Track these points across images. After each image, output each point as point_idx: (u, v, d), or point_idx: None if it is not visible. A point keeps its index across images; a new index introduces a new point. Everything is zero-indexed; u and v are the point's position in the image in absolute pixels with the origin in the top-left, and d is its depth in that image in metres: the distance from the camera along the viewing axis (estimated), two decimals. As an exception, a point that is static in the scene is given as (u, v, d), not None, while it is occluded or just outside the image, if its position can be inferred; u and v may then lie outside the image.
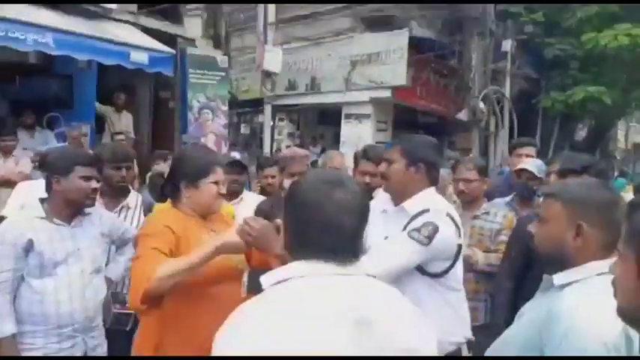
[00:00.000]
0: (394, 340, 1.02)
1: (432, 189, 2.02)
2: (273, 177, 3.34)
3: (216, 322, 1.39)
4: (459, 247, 1.93)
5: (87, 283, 2.20)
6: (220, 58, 7.62)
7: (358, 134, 10.41)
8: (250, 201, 3.14)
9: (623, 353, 1.19)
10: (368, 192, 2.75)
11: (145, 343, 1.86)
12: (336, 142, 10.95)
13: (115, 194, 2.82)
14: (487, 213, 2.81)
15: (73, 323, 2.15)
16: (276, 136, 10.88)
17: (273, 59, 7.39)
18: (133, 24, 6.54)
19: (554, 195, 1.42)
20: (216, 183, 1.95)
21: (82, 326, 2.18)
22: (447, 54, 9.56)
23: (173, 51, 6.38)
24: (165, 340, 1.80)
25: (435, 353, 1.10)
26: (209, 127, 7.37)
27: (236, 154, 3.30)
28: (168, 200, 2.02)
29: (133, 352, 1.98)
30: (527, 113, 9.95)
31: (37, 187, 2.78)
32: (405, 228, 1.88)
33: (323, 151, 11.16)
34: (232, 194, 3.02)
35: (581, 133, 11.46)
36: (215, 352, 0.99)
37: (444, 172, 3.34)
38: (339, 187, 1.09)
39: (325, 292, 1.02)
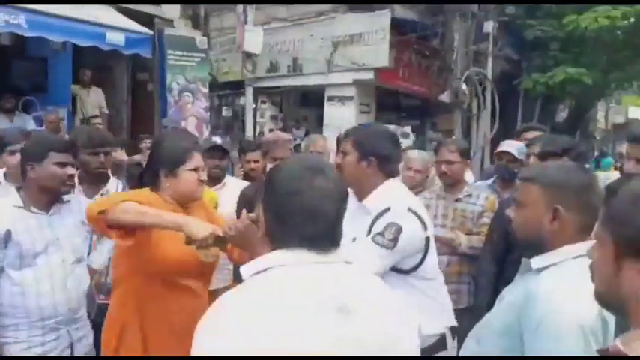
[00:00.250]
0: (374, 328, 1.02)
1: (391, 182, 1.94)
2: (256, 162, 3.31)
3: (185, 310, 1.60)
4: (427, 239, 1.87)
5: (69, 272, 2.17)
6: (199, 39, 7.49)
7: (341, 116, 10.37)
8: (233, 186, 3.11)
9: (599, 336, 1.21)
10: None
11: (112, 322, 1.95)
12: (319, 124, 10.88)
13: (94, 181, 2.75)
14: (469, 195, 2.83)
15: (57, 315, 2.12)
16: (258, 119, 10.76)
17: (253, 40, 7.26)
18: (109, 3, 6.36)
19: (532, 179, 1.43)
20: (195, 170, 1.92)
21: (65, 318, 2.15)
22: (429, 35, 9.51)
23: (151, 32, 6.24)
24: (132, 319, 1.87)
25: (416, 341, 1.10)
26: (189, 110, 7.26)
27: (217, 139, 3.26)
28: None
29: (103, 331, 1.99)
30: (508, 94, 10.00)
31: None
32: (369, 230, 1.82)
33: (307, 134, 11.10)
34: (214, 180, 2.99)
35: (562, 114, 11.58)
36: (196, 343, 0.98)
37: (427, 155, 3.35)
38: (319, 174, 1.06)
39: (306, 280, 1.02)
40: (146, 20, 6.74)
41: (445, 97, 9.31)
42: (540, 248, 1.38)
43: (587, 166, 2.36)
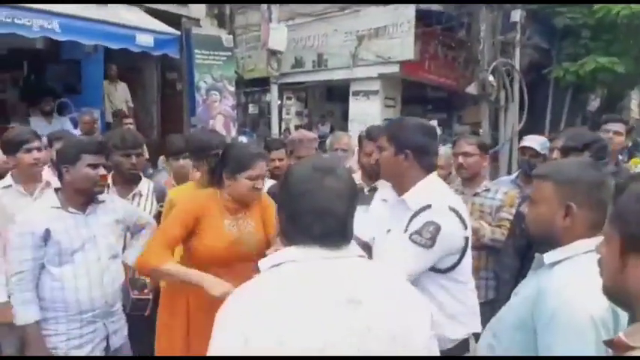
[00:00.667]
0: (385, 319, 1.07)
1: (432, 176, 1.88)
2: (280, 160, 3.35)
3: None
4: (466, 239, 1.83)
5: (104, 269, 2.26)
6: (225, 37, 7.59)
7: (366, 111, 10.36)
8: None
9: (611, 328, 1.23)
10: (374, 171, 2.77)
11: (164, 306, 2.28)
12: (344, 119, 10.90)
13: (127, 181, 2.83)
14: (487, 190, 2.83)
15: (93, 309, 2.22)
16: (284, 115, 10.87)
17: (278, 37, 7.32)
18: (138, 5, 6.52)
19: (545, 176, 1.45)
20: (252, 178, 2.12)
21: (102, 312, 2.25)
22: (455, 26, 9.38)
23: (178, 32, 6.36)
24: (180, 299, 2.18)
25: (427, 334, 1.13)
26: (217, 108, 7.38)
27: (244, 139, 3.33)
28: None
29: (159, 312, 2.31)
30: (537, 85, 9.78)
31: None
32: (407, 226, 1.77)
33: (332, 129, 11.15)
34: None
35: (594, 104, 11.26)
36: (215, 324, 1.07)
37: (447, 149, 3.35)
38: (329, 175, 1.13)
39: (315, 274, 1.08)
40: (174, 20, 6.88)
41: (472, 89, 9.16)
42: (553, 244, 1.41)
43: (605, 160, 2.32)
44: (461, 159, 2.82)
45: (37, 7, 5.02)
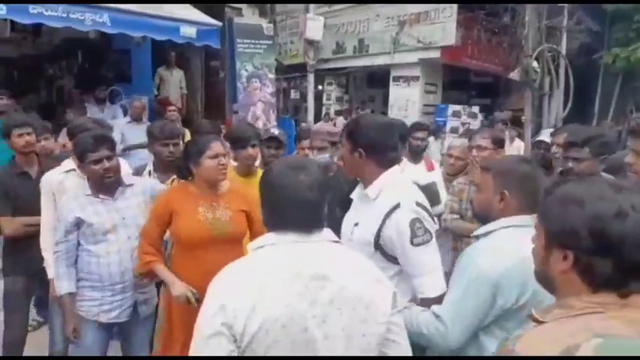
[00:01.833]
0: (346, 292, 1.25)
1: (391, 171, 1.89)
2: (310, 148, 3.53)
3: (206, 268, 1.90)
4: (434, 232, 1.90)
5: (135, 247, 2.48)
6: (266, 26, 7.78)
7: (407, 97, 10.35)
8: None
9: (509, 294, 1.54)
10: None
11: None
12: (385, 104, 10.91)
13: (166, 168, 3.07)
14: None
15: (124, 281, 2.49)
16: (324, 101, 11.00)
17: (314, 27, 7.45)
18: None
19: (487, 169, 1.79)
20: (212, 157, 2.34)
21: (131, 284, 2.51)
22: (499, 11, 9.17)
23: (219, 23, 6.59)
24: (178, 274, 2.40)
25: (388, 306, 1.30)
26: (257, 95, 7.62)
27: (275, 130, 3.52)
28: None
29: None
30: (586, 71, 9.45)
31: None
32: (381, 225, 1.81)
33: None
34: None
35: (647, 91, 10.76)
36: (207, 294, 1.27)
37: (463, 141, 3.40)
38: (301, 171, 1.31)
39: (288, 254, 1.27)
40: (217, 10, 7.14)
41: (515, 75, 8.96)
42: (490, 222, 1.71)
43: (604, 156, 2.36)
44: (475, 152, 2.91)
45: (88, 2, 5.38)
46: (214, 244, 2.33)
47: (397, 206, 1.80)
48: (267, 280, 1.22)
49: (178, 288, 2.28)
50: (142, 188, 2.60)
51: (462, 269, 1.64)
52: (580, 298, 0.99)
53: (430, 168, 3.96)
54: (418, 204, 1.84)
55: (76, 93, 7.12)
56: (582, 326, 0.93)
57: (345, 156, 1.95)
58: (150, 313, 2.65)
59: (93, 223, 2.41)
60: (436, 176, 3.37)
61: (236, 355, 1.20)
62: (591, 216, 0.97)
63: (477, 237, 1.71)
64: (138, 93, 6.68)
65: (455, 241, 2.97)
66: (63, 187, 2.81)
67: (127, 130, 5.70)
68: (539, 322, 0.99)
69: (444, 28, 9.40)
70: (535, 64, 8.74)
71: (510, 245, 1.56)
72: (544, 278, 1.09)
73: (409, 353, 1.36)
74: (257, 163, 3.15)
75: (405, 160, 2.99)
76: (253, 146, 2.95)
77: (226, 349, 1.19)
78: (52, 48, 7.95)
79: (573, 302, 0.99)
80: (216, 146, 2.38)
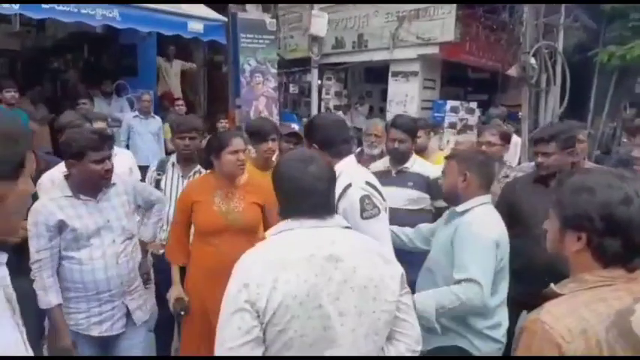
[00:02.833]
0: (358, 272, 1.38)
1: (346, 160, 2.13)
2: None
3: (220, 255, 2.37)
4: (384, 208, 2.10)
5: (119, 251, 2.33)
6: (269, 21, 7.88)
7: (405, 92, 10.46)
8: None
9: (503, 251, 2.09)
10: (399, 155, 3.06)
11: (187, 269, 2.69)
12: (383, 99, 11.00)
13: (186, 161, 3.21)
14: (507, 177, 3.07)
15: (110, 289, 2.31)
16: (323, 96, 11.09)
17: (319, 24, 7.54)
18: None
19: (452, 157, 2.37)
20: (233, 152, 2.49)
21: (118, 291, 2.34)
22: (498, 8, 9.30)
23: (225, 19, 6.69)
24: (192, 266, 2.63)
25: (397, 286, 1.44)
26: (260, 90, 7.73)
27: (295, 126, 3.67)
28: None
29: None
30: (582, 68, 9.60)
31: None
32: (337, 205, 1.93)
33: (371, 109, 11.31)
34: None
35: (642, 88, 10.94)
36: (232, 274, 1.39)
37: (468, 137, 3.57)
38: (310, 163, 1.46)
39: (304, 238, 1.41)
40: (221, 5, 7.22)
41: (513, 71, 9.11)
42: (457, 200, 2.24)
43: (572, 148, 2.68)
44: (484, 148, 3.07)
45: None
46: (228, 233, 2.49)
47: (349, 186, 2.00)
48: (285, 261, 1.34)
49: (173, 291, 2.57)
50: (124, 188, 2.47)
51: (463, 239, 2.05)
52: (592, 273, 1.15)
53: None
54: (368, 183, 2.07)
55: (82, 86, 7.18)
56: (595, 296, 1.10)
57: None
58: (148, 317, 2.53)
59: (76, 227, 2.22)
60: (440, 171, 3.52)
61: (258, 330, 1.30)
62: (601, 202, 1.12)
63: (458, 213, 2.18)
64: (143, 87, 6.77)
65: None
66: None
67: (135, 124, 5.80)
68: (557, 295, 1.15)
69: (443, 24, 9.51)
70: (532, 60, 8.88)
71: (492, 217, 2.16)
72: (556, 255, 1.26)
73: (418, 331, 1.49)
74: (274, 157, 3.29)
75: (413, 155, 3.15)
76: (273, 140, 3.09)
77: (249, 324, 1.29)
78: (57, 41, 7.98)
79: (587, 277, 1.15)
80: (238, 142, 2.53)
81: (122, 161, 3.43)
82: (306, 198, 1.42)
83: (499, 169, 3.10)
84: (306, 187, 1.42)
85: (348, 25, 11.09)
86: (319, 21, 7.59)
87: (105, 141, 2.30)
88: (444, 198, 2.42)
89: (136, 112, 5.99)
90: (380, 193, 2.10)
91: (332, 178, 1.50)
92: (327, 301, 1.33)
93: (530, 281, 2.47)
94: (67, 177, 2.30)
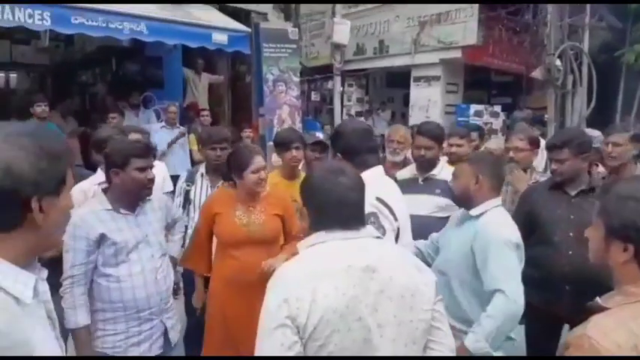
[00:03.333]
0: (394, 282, 1.37)
1: (370, 172, 1.99)
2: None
3: (241, 265, 2.48)
4: (397, 230, 2.03)
5: (157, 266, 2.29)
6: (291, 30, 7.93)
7: (428, 97, 10.41)
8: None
9: (522, 247, 2.10)
10: (426, 163, 3.04)
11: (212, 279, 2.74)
12: (405, 105, 10.98)
13: (215, 171, 3.23)
14: (536, 182, 3.01)
15: (150, 307, 2.24)
16: (345, 102, 11.11)
17: (341, 31, 7.57)
18: (211, 4, 6.99)
19: (465, 161, 2.38)
20: (255, 171, 2.52)
21: (158, 309, 2.28)
22: (521, 9, 9.19)
23: (249, 29, 6.77)
24: (214, 276, 2.69)
25: (431, 294, 1.42)
26: (283, 98, 7.78)
27: (320, 134, 3.69)
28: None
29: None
30: (609, 69, 9.41)
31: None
32: None
33: (393, 115, 11.28)
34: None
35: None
36: (267, 290, 1.37)
37: (498, 141, 3.52)
38: (341, 175, 1.45)
39: (339, 250, 1.39)
40: (244, 16, 7.32)
41: (537, 73, 8.97)
42: (469, 203, 2.22)
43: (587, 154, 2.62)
44: (512, 153, 3.03)
45: (126, 12, 5.59)
46: (249, 245, 2.53)
47: None
48: (323, 273, 1.33)
49: (195, 298, 2.81)
50: (159, 204, 2.45)
51: (485, 247, 2.03)
52: (639, 285, 1.12)
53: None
54: (378, 199, 1.97)
55: (110, 99, 7.35)
56: None
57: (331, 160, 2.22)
58: (178, 339, 2.47)
59: (117, 240, 2.16)
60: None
61: (299, 346, 1.28)
62: None
63: (473, 217, 2.17)
64: (169, 98, 6.89)
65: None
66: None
67: (162, 135, 5.91)
68: (602, 309, 1.13)
69: (465, 27, 9.45)
70: (557, 62, 8.74)
71: (506, 220, 2.17)
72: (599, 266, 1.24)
73: (452, 339, 1.47)
74: (300, 166, 3.31)
75: (442, 161, 3.12)
76: (296, 148, 3.12)
77: (291, 339, 1.27)
78: (85, 55, 8.20)
79: (632, 289, 1.12)
80: (259, 161, 2.56)
81: (157, 172, 3.47)
82: (339, 209, 1.41)
83: (530, 175, 3.05)
84: (338, 198, 1.41)
85: (369, 32, 11.13)
86: (342, 28, 7.62)
87: (149, 149, 2.33)
88: (454, 200, 2.38)
89: (163, 123, 6.10)
90: (391, 211, 1.99)
91: (363, 189, 1.48)
92: (366, 312, 1.33)
93: (550, 288, 2.49)
94: (104, 190, 2.29)
